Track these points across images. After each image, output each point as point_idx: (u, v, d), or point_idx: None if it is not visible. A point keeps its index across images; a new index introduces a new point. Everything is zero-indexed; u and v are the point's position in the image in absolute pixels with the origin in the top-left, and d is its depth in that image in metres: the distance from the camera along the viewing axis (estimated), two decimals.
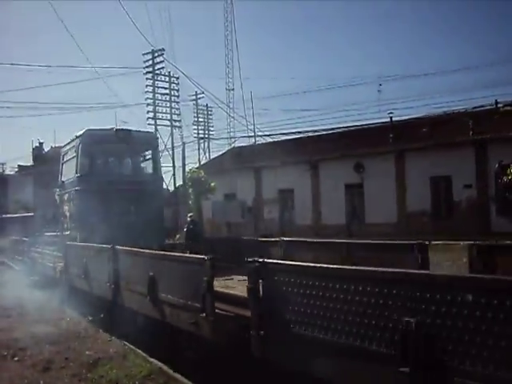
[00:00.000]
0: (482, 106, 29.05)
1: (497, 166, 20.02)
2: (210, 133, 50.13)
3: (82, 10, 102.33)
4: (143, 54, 38.27)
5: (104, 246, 9.27)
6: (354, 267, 4.53)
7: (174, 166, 39.87)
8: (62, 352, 8.03)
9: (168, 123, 39.29)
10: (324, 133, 35.57)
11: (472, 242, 7.24)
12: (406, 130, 29.50)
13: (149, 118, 38.23)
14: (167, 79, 39.02)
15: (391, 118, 31.38)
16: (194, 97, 46.90)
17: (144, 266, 7.54)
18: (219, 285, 6.15)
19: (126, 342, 8.38)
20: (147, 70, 38.25)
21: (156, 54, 37.91)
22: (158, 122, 38.61)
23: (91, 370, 7.02)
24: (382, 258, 7.24)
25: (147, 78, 38.22)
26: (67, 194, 13.46)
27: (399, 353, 3.40)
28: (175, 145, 40.30)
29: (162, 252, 8.15)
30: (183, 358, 7.09)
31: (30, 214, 28.14)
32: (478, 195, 25.80)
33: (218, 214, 30.78)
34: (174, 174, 40.06)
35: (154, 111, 38.17)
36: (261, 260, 5.04)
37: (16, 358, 7.78)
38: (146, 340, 7.96)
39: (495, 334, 3.01)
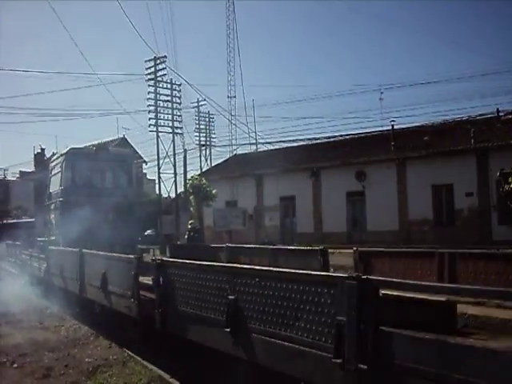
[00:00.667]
0: (484, 115, 29.14)
1: (498, 174, 19.98)
2: (212, 140, 50.18)
3: (85, 17, 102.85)
4: (145, 61, 38.26)
5: (73, 249, 10.84)
6: (211, 263, 6.17)
7: (175, 173, 39.80)
8: (62, 359, 8.00)
9: (170, 130, 39.23)
10: (326, 140, 35.68)
11: (355, 248, 9.41)
12: (408, 138, 29.55)
13: (150, 124, 38.19)
14: (169, 86, 39.07)
15: (393, 126, 31.44)
16: (196, 104, 47.04)
17: (99, 265, 9.05)
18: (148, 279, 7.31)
19: (126, 350, 8.37)
20: (149, 76, 38.30)
21: (158, 61, 37.96)
22: (160, 128, 38.55)
23: (91, 378, 6.99)
24: (296, 260, 9.48)
25: (149, 85, 38.22)
26: (53, 204, 15.18)
27: (228, 320, 5.00)
28: (177, 152, 40.27)
29: (109, 253, 9.32)
30: (129, 337, 8.60)
31: (31, 220, 28.24)
32: (480, 203, 25.80)
33: (219, 222, 30.75)
34: (175, 181, 40.01)
35: (156, 118, 38.12)
36: (160, 258, 6.89)
37: (15, 365, 7.75)
38: (102, 323, 9.77)
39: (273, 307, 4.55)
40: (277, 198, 34.19)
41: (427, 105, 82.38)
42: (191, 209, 33.24)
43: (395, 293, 3.99)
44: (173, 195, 40.87)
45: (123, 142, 55.64)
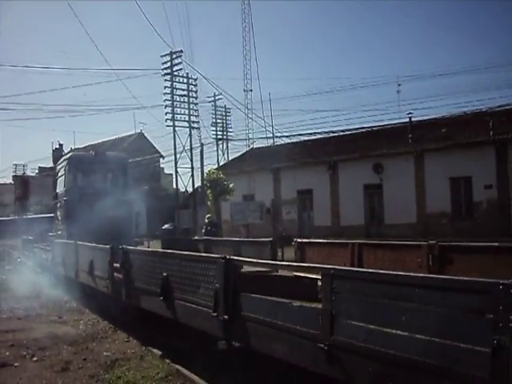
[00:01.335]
0: (503, 106, 28.75)
1: None
2: (229, 134, 50.24)
3: (101, 12, 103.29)
4: (161, 56, 38.42)
5: (70, 242, 12.74)
6: (152, 249, 9.14)
7: (192, 168, 39.99)
8: (80, 353, 8.10)
9: (186, 124, 39.38)
10: (343, 133, 35.46)
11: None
12: (426, 131, 29.28)
13: (167, 119, 38.38)
14: (185, 81, 39.15)
15: (410, 118, 31.16)
16: (213, 98, 47.05)
17: (88, 255, 10.86)
18: None
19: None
20: (165, 71, 38.40)
21: (174, 56, 38.05)
22: (177, 123, 38.72)
23: (108, 371, 7.04)
24: (251, 250, 10.67)
25: (165, 80, 38.36)
26: (59, 203, 17.04)
27: (163, 292, 6.81)
28: (193, 146, 40.39)
29: (94, 245, 10.83)
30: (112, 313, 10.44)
31: (50, 215, 28.78)
32: (499, 196, 25.51)
33: (237, 215, 30.76)
34: (192, 176, 40.18)
35: (173, 112, 38.27)
36: (124, 247, 8.77)
37: (35, 358, 7.87)
38: (92, 300, 11.77)
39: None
40: (294, 192, 34.13)
41: (445, 96, 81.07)
42: (208, 203, 33.29)
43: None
44: (190, 189, 41.05)
45: (140, 136, 55.95)
